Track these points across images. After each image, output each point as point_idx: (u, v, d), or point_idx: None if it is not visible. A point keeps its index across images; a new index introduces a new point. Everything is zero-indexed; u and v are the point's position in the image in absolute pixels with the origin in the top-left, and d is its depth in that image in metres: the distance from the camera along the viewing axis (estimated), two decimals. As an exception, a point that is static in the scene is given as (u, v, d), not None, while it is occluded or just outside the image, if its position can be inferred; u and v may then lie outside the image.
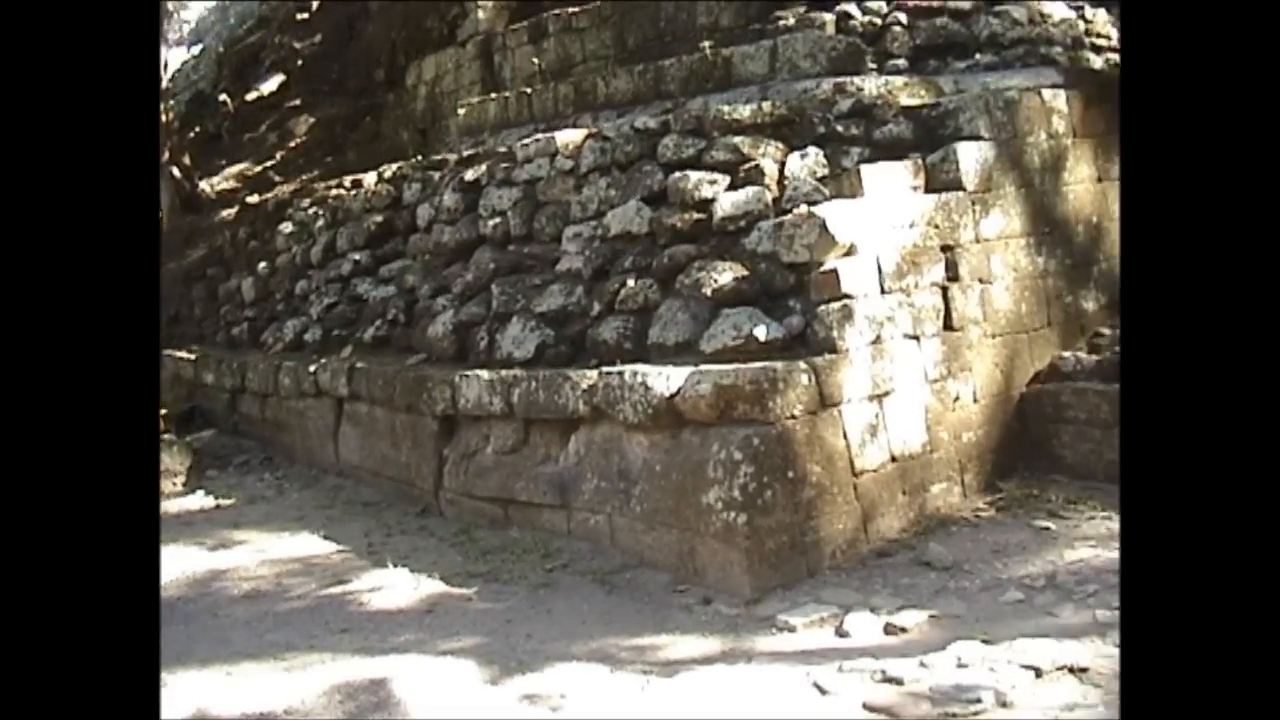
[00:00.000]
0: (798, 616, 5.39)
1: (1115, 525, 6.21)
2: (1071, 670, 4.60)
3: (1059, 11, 10.36)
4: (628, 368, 6.34)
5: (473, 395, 7.36)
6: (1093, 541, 6.05)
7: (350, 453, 9.09)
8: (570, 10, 12.41)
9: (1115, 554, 5.79)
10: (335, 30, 19.73)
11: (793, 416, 5.84)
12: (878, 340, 6.29)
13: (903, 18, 9.42)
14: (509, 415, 7.15)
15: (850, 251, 6.28)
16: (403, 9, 17.06)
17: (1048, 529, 6.29)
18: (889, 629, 5.22)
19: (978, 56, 9.23)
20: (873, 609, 5.43)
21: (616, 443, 6.46)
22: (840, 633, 5.24)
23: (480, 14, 14.37)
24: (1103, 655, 4.70)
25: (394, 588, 6.47)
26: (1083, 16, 10.57)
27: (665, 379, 6.04)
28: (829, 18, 9.42)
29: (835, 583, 5.81)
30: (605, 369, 6.49)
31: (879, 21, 9.42)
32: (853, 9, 9.49)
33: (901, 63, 9.09)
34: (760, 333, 6.16)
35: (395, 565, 6.80)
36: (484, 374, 7.33)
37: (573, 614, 5.83)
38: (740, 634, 5.35)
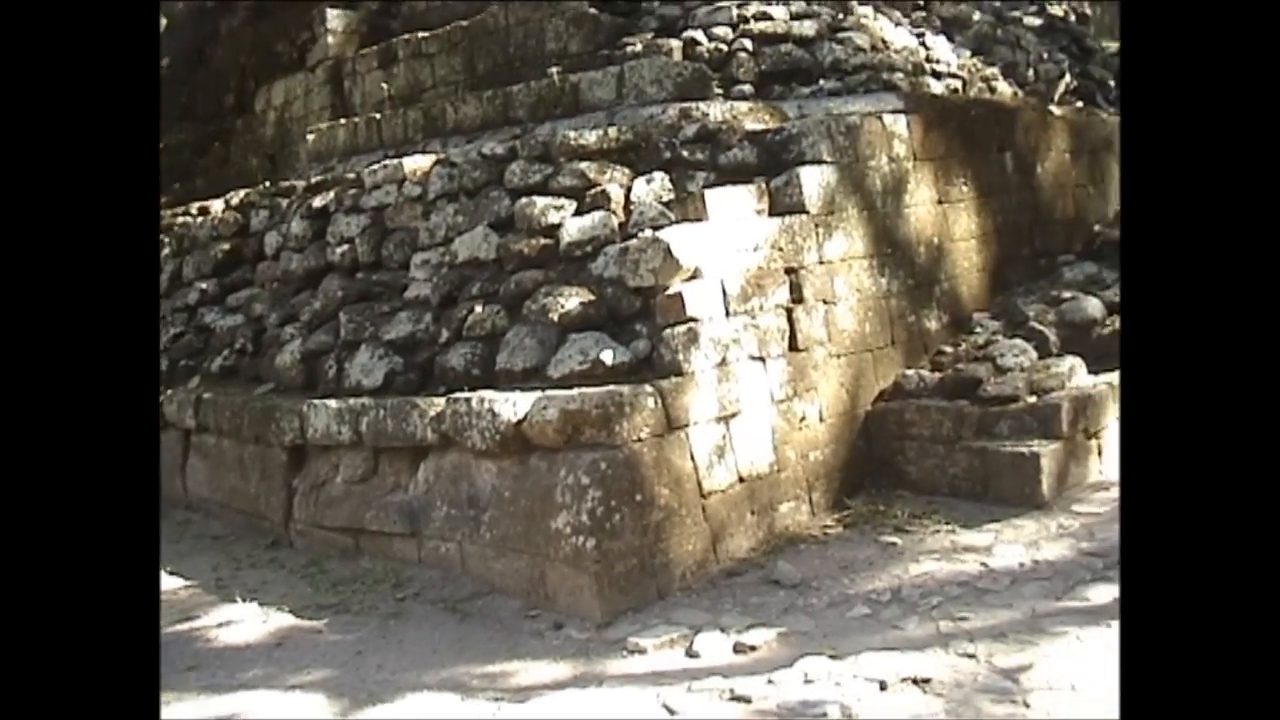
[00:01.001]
0: (648, 638, 5.41)
1: (958, 538, 6.37)
2: (915, 682, 4.69)
3: (901, 39, 10.60)
4: (475, 394, 6.32)
5: (321, 425, 7.27)
6: (937, 555, 6.18)
7: (198, 485, 8.90)
8: (420, 36, 12.33)
9: (958, 566, 5.96)
10: (183, 55, 19.34)
11: (640, 440, 5.87)
12: (723, 362, 6.36)
13: (748, 44, 9.53)
14: (358, 444, 7.08)
15: (695, 275, 6.35)
16: (252, 34, 16.79)
17: (894, 544, 6.40)
18: (738, 648, 5.26)
19: (821, 82, 9.38)
20: (722, 628, 5.46)
21: (465, 470, 6.44)
22: (690, 653, 5.27)
23: (330, 39, 14.21)
24: (946, 666, 4.82)
25: (243, 622, 6.35)
26: (924, 44, 10.83)
27: (512, 405, 6.04)
28: (676, 44, 9.50)
29: (685, 603, 5.85)
30: (453, 396, 6.46)
31: (725, 48, 9.53)
32: (699, 35, 9.59)
33: (747, 88, 9.20)
34: (607, 357, 6.19)
35: (244, 599, 6.68)
36: (332, 403, 7.24)
37: (424, 643, 5.78)
38: (591, 658, 5.36)
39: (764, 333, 6.64)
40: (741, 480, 6.44)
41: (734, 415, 6.42)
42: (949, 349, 7.93)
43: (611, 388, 5.94)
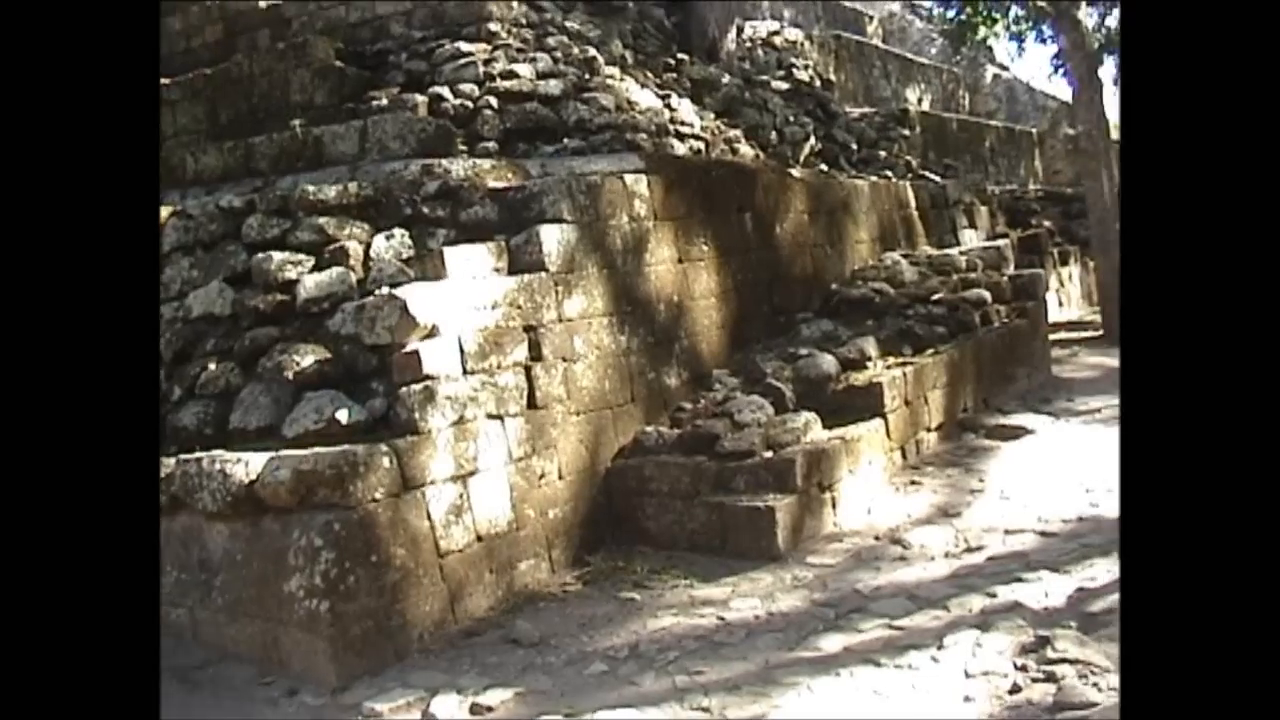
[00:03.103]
0: (384, 702, 5.33)
1: (696, 592, 6.45)
2: (649, 736, 4.73)
3: (646, 100, 10.82)
4: (207, 454, 6.14)
5: (45, 486, 6.94)
6: (675, 610, 6.24)
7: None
8: (162, 82, 12.01)
9: (695, 620, 6.02)
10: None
11: (375, 500, 5.79)
12: (461, 421, 6.33)
13: (494, 101, 9.60)
14: (84, 507, 6.78)
15: (432, 333, 6.32)
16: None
17: (632, 600, 6.44)
18: (475, 709, 5.21)
19: (566, 141, 9.50)
20: (459, 690, 5.41)
21: (196, 532, 6.23)
22: (426, 716, 5.20)
23: (68, 83, 13.71)
24: (679, 720, 4.86)
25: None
26: (669, 105, 11.08)
27: (244, 466, 5.89)
28: (421, 99, 9.49)
29: (423, 665, 5.77)
30: (184, 456, 6.26)
31: (471, 104, 9.57)
32: (445, 92, 9.60)
33: (492, 145, 9.25)
34: (342, 416, 6.11)
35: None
36: (57, 464, 6.92)
37: (150, 716, 5.55)
38: (325, 724, 5.25)
39: (502, 391, 6.65)
40: (480, 539, 6.41)
41: (472, 474, 6.40)
42: (688, 405, 8.08)
43: (346, 447, 5.85)
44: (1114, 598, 5.43)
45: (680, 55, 12.98)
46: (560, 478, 7.07)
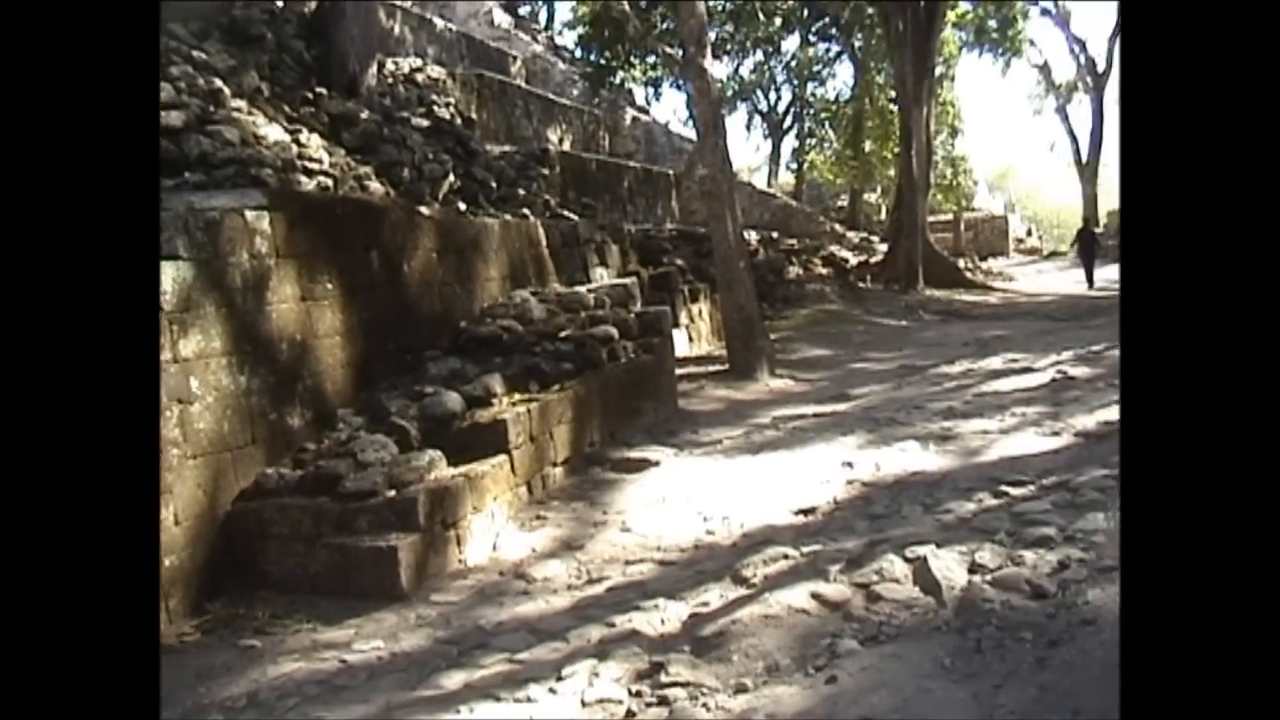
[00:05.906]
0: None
1: (319, 636, 6.39)
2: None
3: (274, 134, 10.63)
4: None
5: None
6: (297, 654, 6.15)
7: None
8: None
9: (317, 665, 5.96)
10: None
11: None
12: (62, 468, 6.06)
13: (111, 133, 9.22)
14: None
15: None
16: None
17: (253, 646, 6.31)
18: (77, 772, 4.99)
19: (187, 175, 9.21)
20: (58, 754, 5.17)
21: None
22: (22, 783, 4.95)
23: None
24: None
25: None
26: (297, 140, 10.91)
27: None
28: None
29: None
30: None
31: (85, 136, 9.16)
32: (57, 122, 9.17)
33: (107, 179, 8.87)
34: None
35: None
36: None
37: None
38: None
39: (112, 435, 6.40)
40: (85, 591, 6.14)
41: (76, 522, 6.12)
42: (312, 446, 7.99)
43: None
44: (724, 620, 5.67)
45: (320, 89, 12.80)
46: (176, 524, 6.85)
